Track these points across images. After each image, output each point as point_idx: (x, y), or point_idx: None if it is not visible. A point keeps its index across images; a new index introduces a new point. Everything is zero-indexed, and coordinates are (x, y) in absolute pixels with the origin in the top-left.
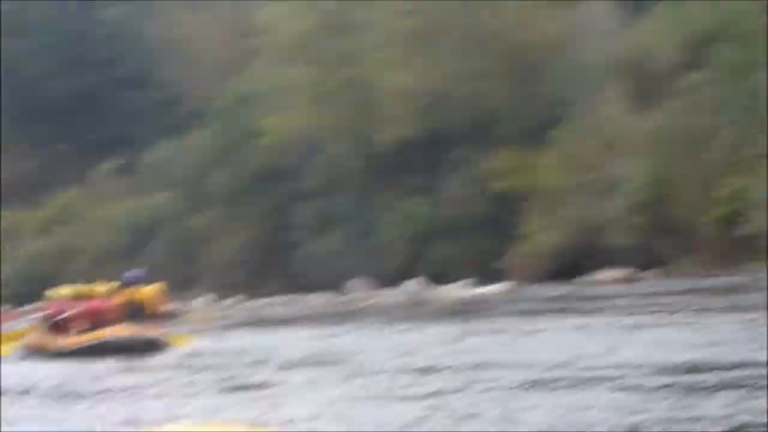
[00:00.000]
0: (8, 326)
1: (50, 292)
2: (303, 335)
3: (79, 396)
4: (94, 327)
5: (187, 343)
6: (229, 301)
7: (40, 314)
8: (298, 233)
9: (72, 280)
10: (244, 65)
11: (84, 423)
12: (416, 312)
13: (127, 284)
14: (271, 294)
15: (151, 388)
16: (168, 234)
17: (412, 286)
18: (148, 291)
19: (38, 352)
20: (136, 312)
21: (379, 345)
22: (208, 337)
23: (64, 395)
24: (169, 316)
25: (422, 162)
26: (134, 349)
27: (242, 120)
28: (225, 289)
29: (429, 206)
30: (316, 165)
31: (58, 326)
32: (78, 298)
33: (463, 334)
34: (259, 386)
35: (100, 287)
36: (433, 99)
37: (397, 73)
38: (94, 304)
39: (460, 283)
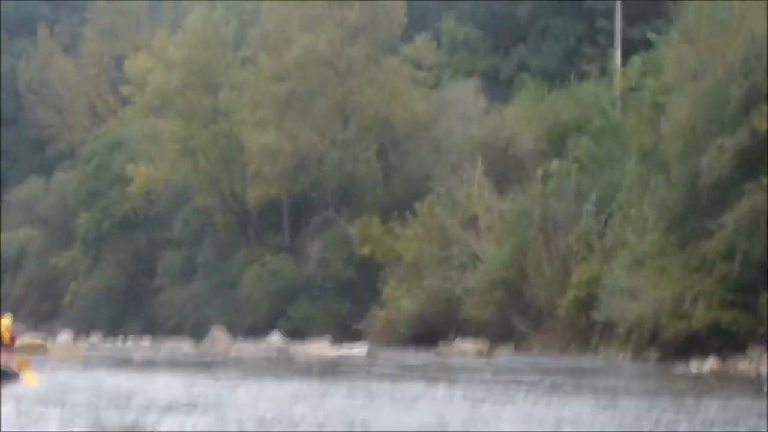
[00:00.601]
0: None
1: None
2: (165, 380)
3: None
4: None
5: (33, 382)
6: (91, 339)
7: None
8: (161, 279)
9: None
10: (115, 112)
11: None
12: (279, 366)
13: None
14: (129, 336)
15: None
16: (31, 269)
17: (274, 340)
18: (2, 322)
19: None
20: None
21: (241, 396)
22: (71, 372)
23: None
24: (35, 349)
25: (288, 221)
26: None
27: (111, 165)
28: (85, 326)
29: (292, 264)
30: (183, 215)
31: None
32: None
33: (326, 393)
34: (124, 428)
35: None
36: (300, 162)
37: (266, 133)
38: None
39: (321, 340)
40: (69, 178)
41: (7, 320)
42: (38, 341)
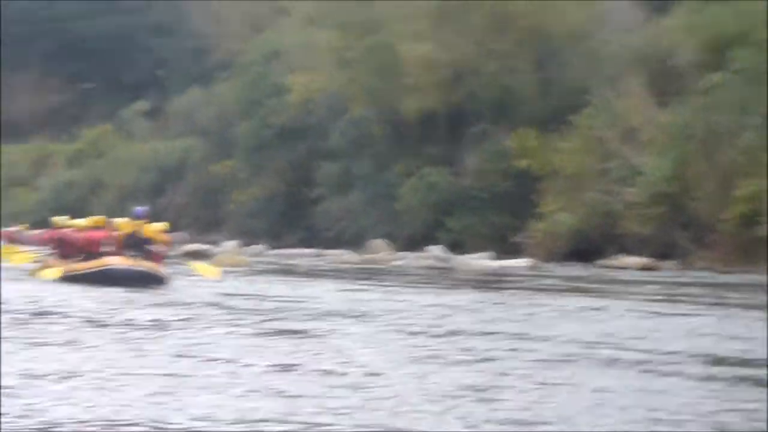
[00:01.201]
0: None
1: (56, 220)
2: (329, 288)
3: (126, 325)
4: (95, 256)
5: (213, 274)
6: (255, 247)
7: (46, 239)
8: (319, 190)
9: (97, 213)
10: (273, 23)
11: (152, 352)
12: (440, 277)
13: (136, 219)
14: (290, 245)
15: (193, 321)
16: (193, 178)
17: (435, 252)
18: (153, 228)
19: (68, 275)
20: (139, 245)
21: (405, 305)
22: (238, 279)
23: (105, 323)
24: (199, 255)
25: (445, 133)
26: (134, 279)
27: (269, 75)
28: (247, 235)
29: (450, 177)
30: (340, 126)
31: (64, 252)
32: (82, 228)
33: (491, 303)
34: (296, 333)
35: (99, 219)
36: (456, 73)
37: (422, 44)
38: (96, 233)
39: (480, 254)
40: (228, 88)
41: (161, 225)
42: (204, 247)
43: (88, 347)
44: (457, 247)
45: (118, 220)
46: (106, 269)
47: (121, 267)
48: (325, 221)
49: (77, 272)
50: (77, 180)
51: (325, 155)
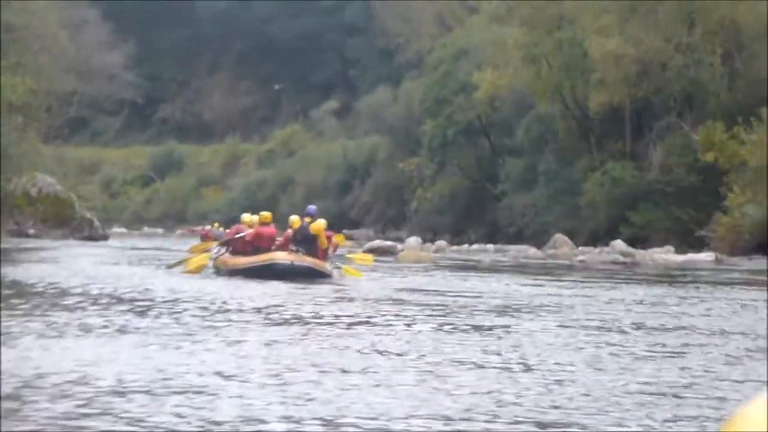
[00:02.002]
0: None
1: (244, 217)
2: (512, 283)
3: (307, 321)
4: (262, 251)
5: (357, 275)
6: (438, 243)
7: (209, 234)
8: (502, 186)
9: (286, 211)
10: (462, 21)
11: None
12: (624, 271)
13: (308, 217)
14: (472, 241)
15: (370, 318)
16: (379, 175)
17: (617, 246)
18: (318, 225)
19: (220, 269)
20: (305, 242)
21: (588, 300)
22: (420, 276)
23: (291, 319)
24: (382, 252)
25: (629, 128)
26: (298, 274)
27: (456, 73)
28: (430, 231)
29: (634, 171)
30: (526, 122)
31: (234, 247)
32: (253, 224)
33: (675, 297)
34: (482, 329)
35: (267, 215)
36: (644, 67)
37: (609, 39)
38: (265, 229)
39: (663, 248)
40: (416, 86)
41: (322, 222)
42: (388, 244)
43: (285, 343)
44: (640, 241)
45: (292, 218)
46: (271, 263)
47: (285, 262)
48: (508, 217)
49: (241, 266)
50: (268, 179)
51: (509, 151)
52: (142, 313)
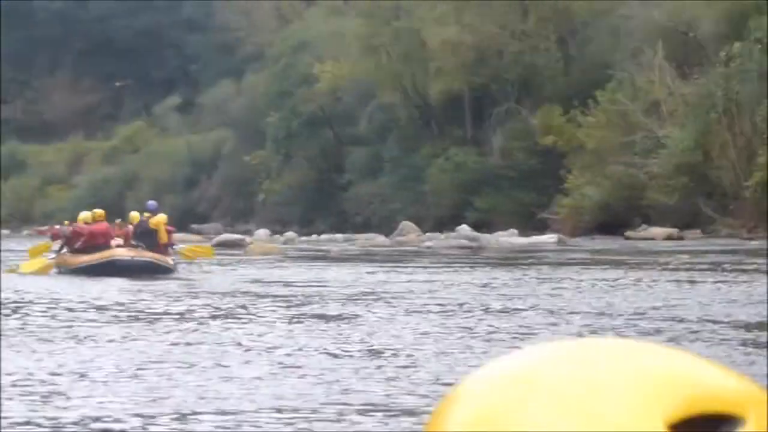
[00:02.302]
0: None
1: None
2: (364, 272)
3: (154, 317)
4: (101, 248)
5: (207, 254)
6: (287, 235)
7: (59, 233)
8: (348, 176)
9: (132, 208)
10: (299, 15)
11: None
12: (470, 256)
13: (149, 212)
14: (321, 232)
15: (218, 311)
16: (225, 169)
17: (463, 231)
18: (157, 220)
19: (62, 268)
20: (145, 237)
21: (434, 285)
22: (269, 267)
23: (138, 315)
24: (231, 245)
25: (470, 114)
26: (139, 269)
27: (297, 66)
28: (279, 223)
29: (476, 156)
30: (368, 111)
31: (71, 246)
32: (91, 221)
33: (521, 279)
34: (336, 317)
35: (99, 213)
36: (480, 55)
37: (446, 28)
38: (102, 227)
39: (508, 231)
40: (258, 80)
41: (162, 217)
42: (237, 237)
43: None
44: (485, 226)
45: (132, 214)
46: (111, 260)
47: (125, 257)
48: (355, 206)
49: (82, 264)
50: (113, 176)
51: (353, 141)
52: None
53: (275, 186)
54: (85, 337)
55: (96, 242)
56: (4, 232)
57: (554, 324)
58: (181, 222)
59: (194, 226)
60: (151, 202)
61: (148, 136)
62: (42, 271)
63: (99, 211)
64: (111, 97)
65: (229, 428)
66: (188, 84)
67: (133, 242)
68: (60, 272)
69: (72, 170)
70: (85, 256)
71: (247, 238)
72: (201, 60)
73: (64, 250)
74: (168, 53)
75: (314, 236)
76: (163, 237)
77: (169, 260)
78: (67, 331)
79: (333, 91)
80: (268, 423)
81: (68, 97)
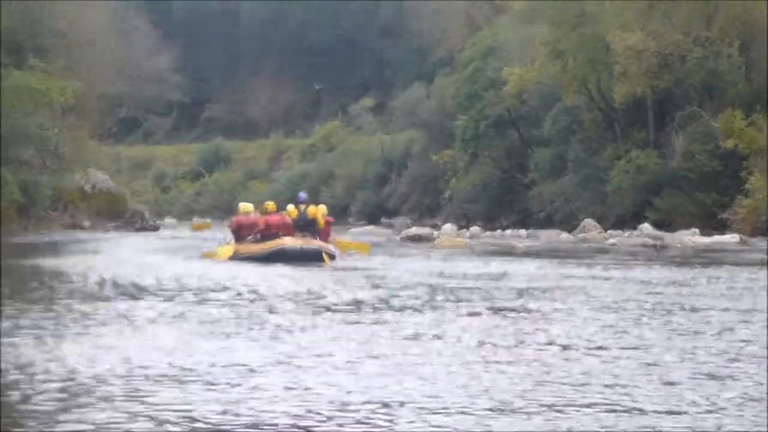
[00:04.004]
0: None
1: (240, 206)
2: (551, 267)
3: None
4: (271, 237)
5: (364, 249)
6: (472, 230)
7: (230, 225)
8: (532, 175)
9: (328, 202)
10: (489, 21)
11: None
12: (652, 254)
13: (300, 204)
14: (504, 227)
15: (417, 302)
16: (415, 167)
17: (646, 230)
18: (316, 210)
19: (239, 256)
20: (307, 226)
21: (614, 282)
22: (458, 259)
23: (345, 306)
24: (419, 239)
25: (652, 118)
26: (308, 257)
27: (486, 70)
28: (463, 219)
29: (657, 159)
30: (553, 114)
31: (244, 235)
32: (260, 212)
33: (705, 278)
34: (526, 311)
35: (271, 204)
36: (664, 60)
37: (631, 34)
38: (272, 218)
39: (690, 230)
40: (448, 83)
41: (322, 207)
42: (425, 231)
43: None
44: (665, 225)
45: (288, 207)
46: (283, 248)
47: (295, 246)
48: (538, 204)
49: (256, 253)
50: (310, 172)
51: (538, 142)
52: (172, 300)
53: (461, 184)
54: (313, 327)
55: (270, 232)
56: (207, 221)
57: (747, 322)
58: (373, 216)
59: (384, 219)
60: (302, 194)
61: (343, 135)
62: (226, 257)
63: (271, 204)
64: (310, 99)
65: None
66: (381, 87)
67: (297, 232)
68: (234, 259)
69: (272, 166)
70: (257, 245)
71: (435, 232)
72: (394, 64)
73: (231, 239)
74: (363, 57)
75: (498, 231)
76: (321, 223)
77: (331, 247)
78: (294, 319)
79: (519, 94)
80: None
81: (270, 98)
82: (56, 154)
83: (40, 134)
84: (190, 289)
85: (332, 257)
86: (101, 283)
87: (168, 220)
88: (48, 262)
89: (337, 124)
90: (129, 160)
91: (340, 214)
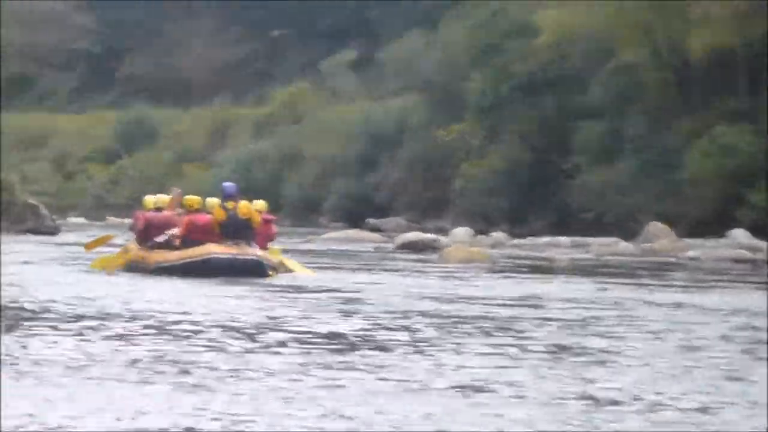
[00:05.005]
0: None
1: (147, 200)
2: (611, 290)
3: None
4: (194, 244)
5: (308, 272)
6: (491, 236)
7: (134, 224)
8: (575, 159)
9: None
10: None
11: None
12: (749, 271)
13: (226, 198)
14: (538, 232)
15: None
16: (412, 147)
17: (737, 237)
18: (249, 207)
19: (137, 267)
20: (240, 230)
21: (698, 309)
22: (473, 278)
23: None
24: (422, 247)
25: (744, 80)
26: (239, 270)
27: (510, 12)
28: (480, 221)
29: (752, 136)
30: (604, 75)
31: (153, 240)
32: (173, 208)
33: None
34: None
35: (196, 200)
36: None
37: None
38: (199, 217)
39: None
40: (456, 30)
41: (259, 203)
42: (428, 236)
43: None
44: (765, 231)
45: (210, 200)
46: (210, 257)
47: (226, 256)
48: (584, 199)
49: (172, 262)
50: (267, 152)
51: (583, 114)
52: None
53: (477, 170)
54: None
55: (192, 237)
56: (126, 221)
57: None
58: (356, 213)
59: (371, 220)
60: (229, 184)
61: (313, 101)
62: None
63: (195, 198)
64: (265, 51)
65: None
66: (365, 34)
67: (225, 237)
68: (130, 270)
69: (214, 143)
70: (176, 253)
71: (442, 239)
72: (381, 5)
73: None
74: None
75: (530, 238)
76: (257, 225)
77: (273, 259)
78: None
79: (557, 46)
80: None
81: (210, 50)
82: None
83: None
84: (84, 316)
85: (273, 269)
86: None
87: (73, 220)
88: None
89: (303, 87)
90: (17, 133)
91: (308, 213)
